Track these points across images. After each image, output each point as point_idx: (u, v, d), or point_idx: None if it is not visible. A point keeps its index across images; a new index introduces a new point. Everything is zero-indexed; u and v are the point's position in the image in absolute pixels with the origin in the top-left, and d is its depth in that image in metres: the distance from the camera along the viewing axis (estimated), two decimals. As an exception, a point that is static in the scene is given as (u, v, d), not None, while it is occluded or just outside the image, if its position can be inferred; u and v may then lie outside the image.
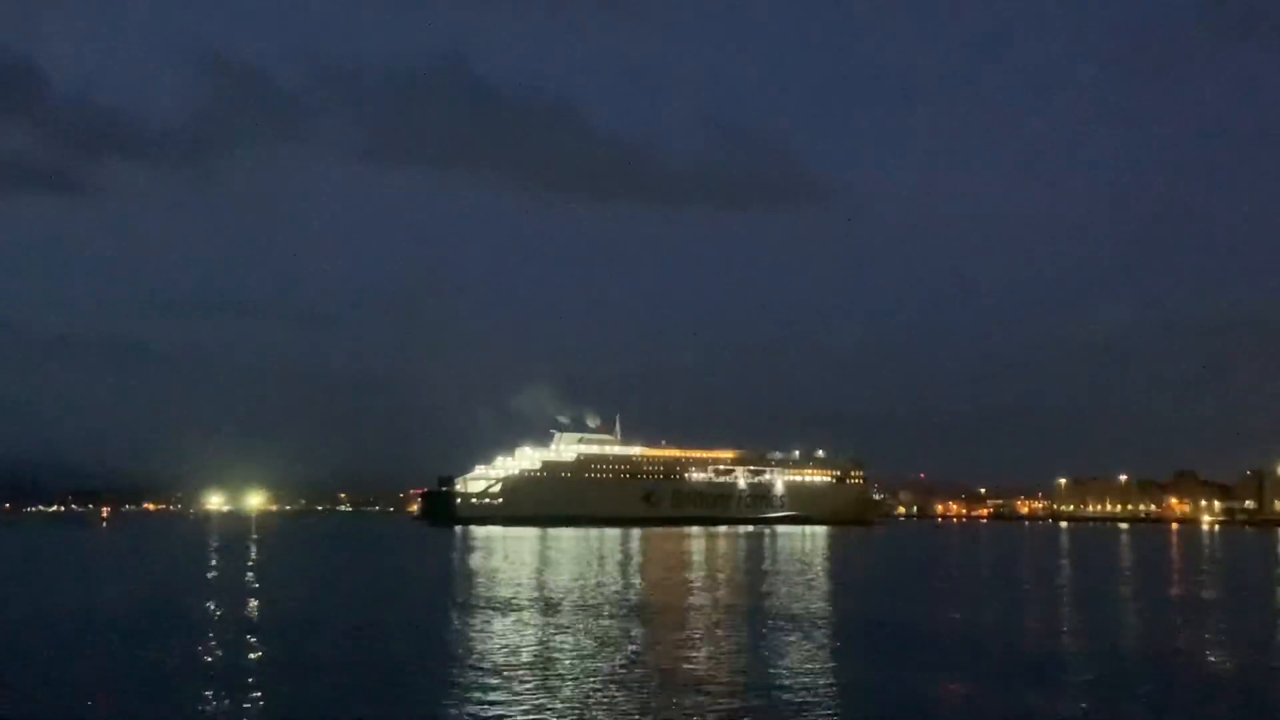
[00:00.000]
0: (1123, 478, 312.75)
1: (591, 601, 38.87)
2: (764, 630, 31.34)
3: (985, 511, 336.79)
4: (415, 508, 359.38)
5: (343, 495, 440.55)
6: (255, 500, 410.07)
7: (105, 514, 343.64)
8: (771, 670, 24.47)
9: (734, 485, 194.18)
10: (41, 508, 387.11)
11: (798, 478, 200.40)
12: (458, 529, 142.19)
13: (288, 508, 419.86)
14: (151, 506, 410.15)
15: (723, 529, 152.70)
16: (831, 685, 22.20)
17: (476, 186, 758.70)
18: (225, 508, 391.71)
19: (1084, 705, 21.72)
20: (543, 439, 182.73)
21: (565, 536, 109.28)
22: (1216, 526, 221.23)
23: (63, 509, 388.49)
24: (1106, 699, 22.56)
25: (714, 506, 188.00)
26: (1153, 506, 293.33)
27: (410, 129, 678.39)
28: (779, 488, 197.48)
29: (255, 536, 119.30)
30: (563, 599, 39.17)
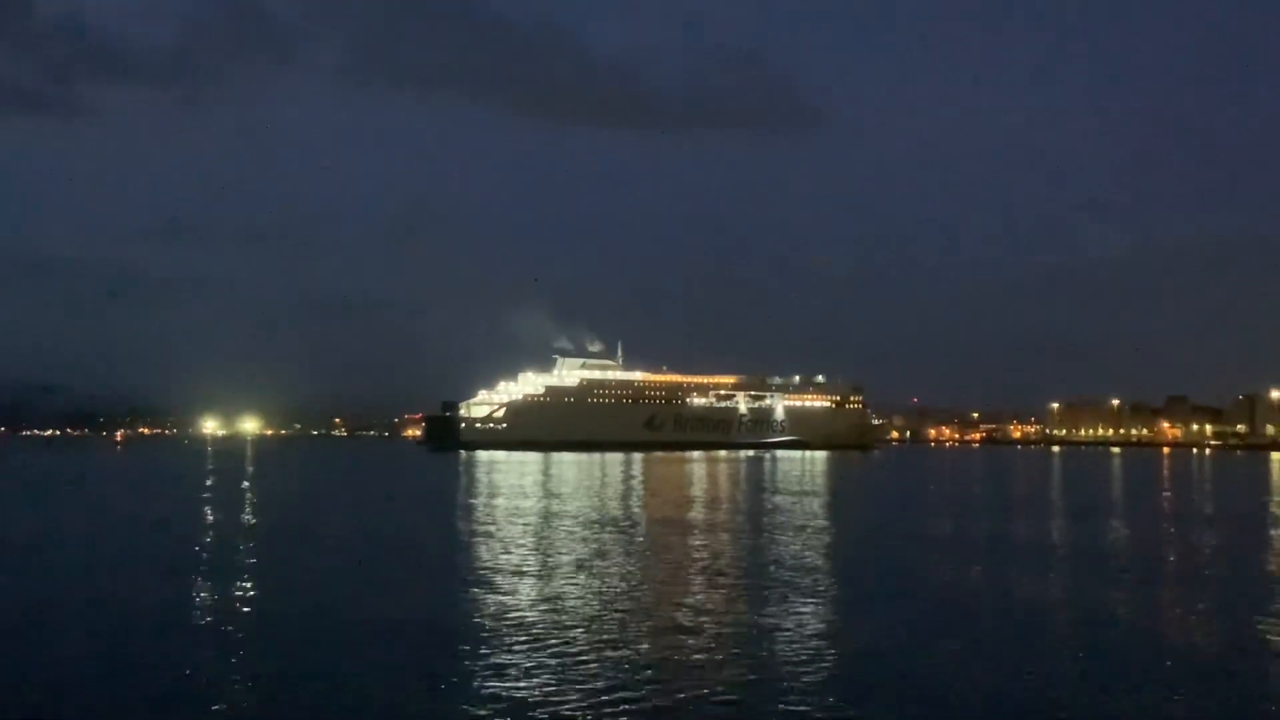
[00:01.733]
0: (1115, 402, 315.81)
1: (595, 519, 39.47)
2: (767, 543, 31.95)
3: (978, 436, 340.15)
4: (412, 432, 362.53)
5: (337, 420, 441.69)
6: (250, 425, 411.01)
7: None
8: (773, 571, 25.70)
9: (735, 410, 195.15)
10: (36, 432, 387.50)
11: (797, 403, 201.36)
12: (462, 453, 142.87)
13: (282, 432, 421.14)
14: (146, 431, 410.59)
15: (723, 454, 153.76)
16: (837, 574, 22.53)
17: (468, 110, 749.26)
18: (220, 432, 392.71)
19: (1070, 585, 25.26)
20: (545, 364, 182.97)
21: (568, 461, 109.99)
22: (1209, 450, 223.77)
23: (57, 433, 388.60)
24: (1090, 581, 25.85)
25: (715, 431, 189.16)
26: (1144, 431, 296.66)
27: (401, 52, 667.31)
28: (779, 413, 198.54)
29: (256, 460, 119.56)
30: (565, 518, 39.65)
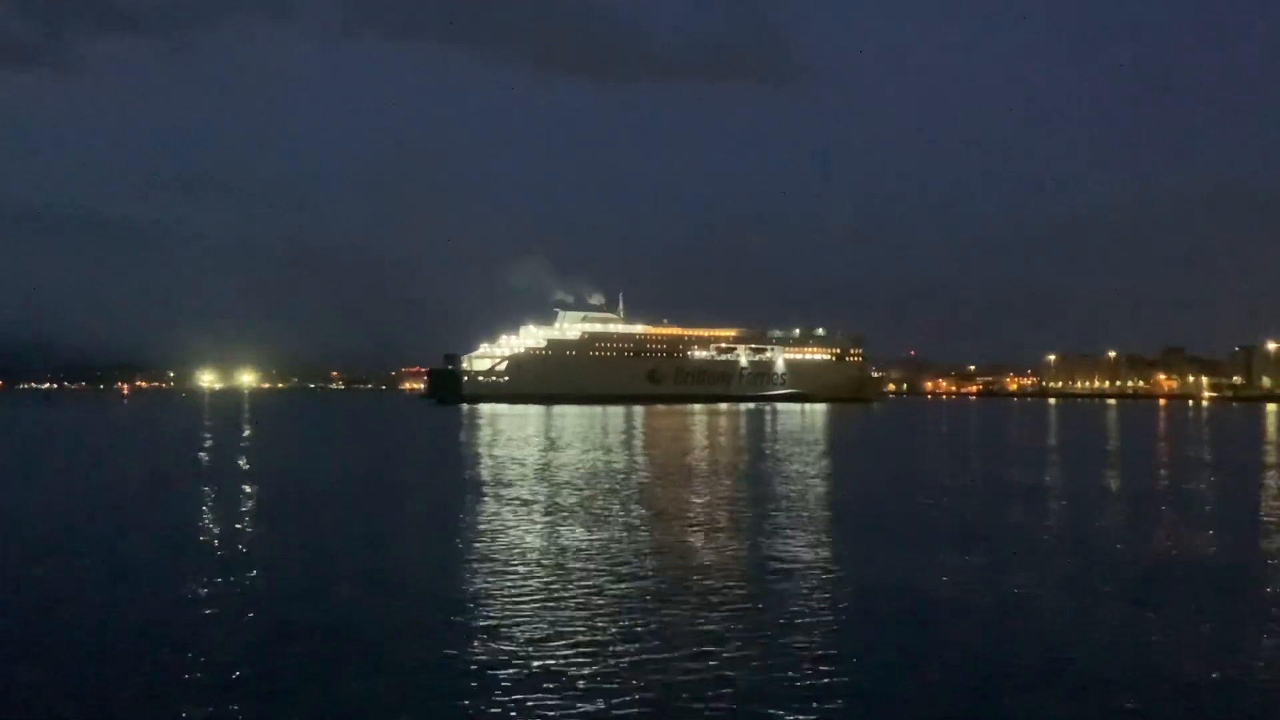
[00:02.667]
0: (1111, 354, 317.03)
1: (599, 470, 39.75)
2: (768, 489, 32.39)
3: (974, 388, 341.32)
4: (410, 385, 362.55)
5: (335, 373, 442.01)
6: (247, 378, 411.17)
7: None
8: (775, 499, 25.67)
9: (735, 363, 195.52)
10: (33, 385, 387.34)
11: (798, 356, 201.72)
12: (464, 406, 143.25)
13: (279, 385, 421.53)
14: (144, 384, 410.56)
15: (724, 406, 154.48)
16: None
17: (466, 63, 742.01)
18: (217, 385, 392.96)
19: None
20: (546, 317, 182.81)
21: (570, 413, 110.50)
22: (1206, 402, 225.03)
23: (54, 387, 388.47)
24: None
25: (716, 384, 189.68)
26: (1141, 383, 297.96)
27: (397, 4, 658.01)
28: (779, 365, 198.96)
29: (260, 415, 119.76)
30: (568, 471, 39.74)
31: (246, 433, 74.77)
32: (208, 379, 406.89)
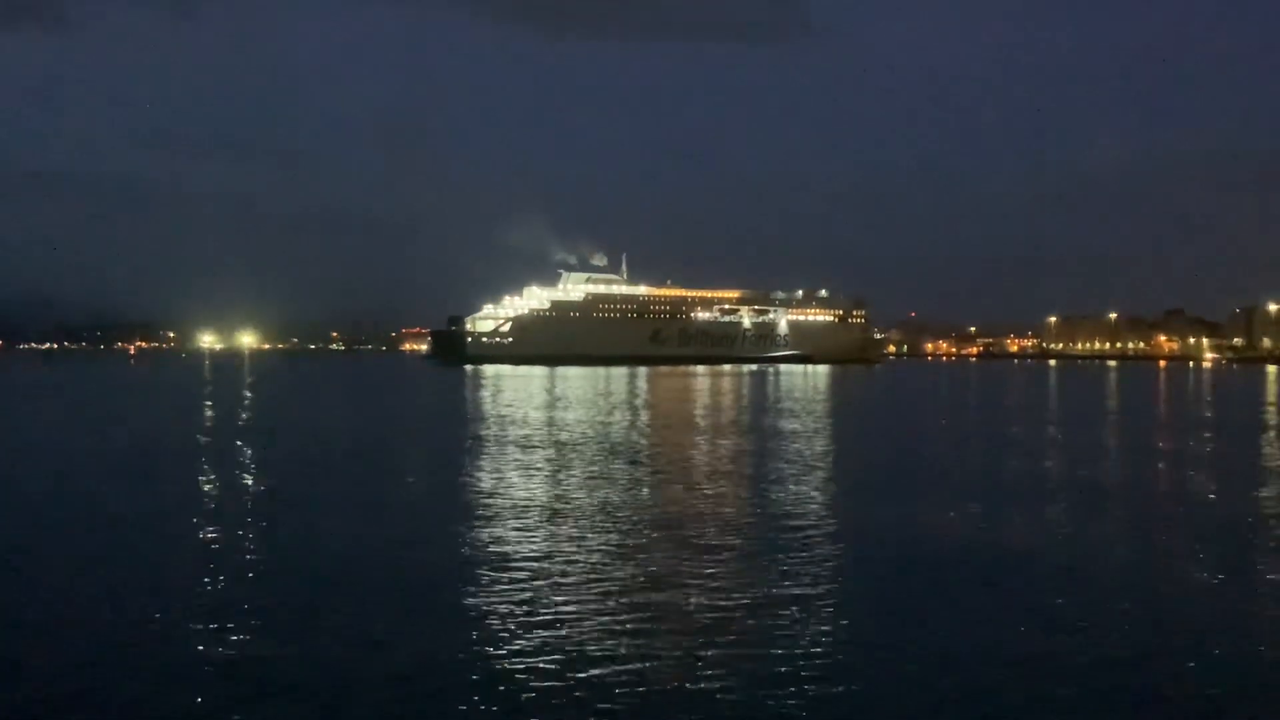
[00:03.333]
0: (1112, 316, 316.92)
1: (602, 430, 39.99)
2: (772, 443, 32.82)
3: (974, 350, 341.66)
4: (411, 347, 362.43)
5: (335, 334, 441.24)
6: (247, 339, 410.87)
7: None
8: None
9: (739, 325, 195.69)
10: (33, 345, 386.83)
11: (801, 317, 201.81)
12: (468, 368, 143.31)
13: (280, 346, 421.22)
14: (144, 344, 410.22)
15: (727, 367, 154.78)
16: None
17: (466, 23, 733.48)
18: (217, 346, 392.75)
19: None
20: (549, 278, 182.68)
21: (574, 375, 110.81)
22: (1207, 364, 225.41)
23: (54, 347, 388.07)
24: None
25: (719, 345, 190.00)
26: (1141, 344, 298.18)
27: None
28: (782, 327, 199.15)
29: (258, 375, 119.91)
30: (572, 430, 40.01)
31: (254, 394, 75.04)
32: (207, 340, 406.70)
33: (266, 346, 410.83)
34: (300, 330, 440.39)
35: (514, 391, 72.35)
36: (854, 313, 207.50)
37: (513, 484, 24.40)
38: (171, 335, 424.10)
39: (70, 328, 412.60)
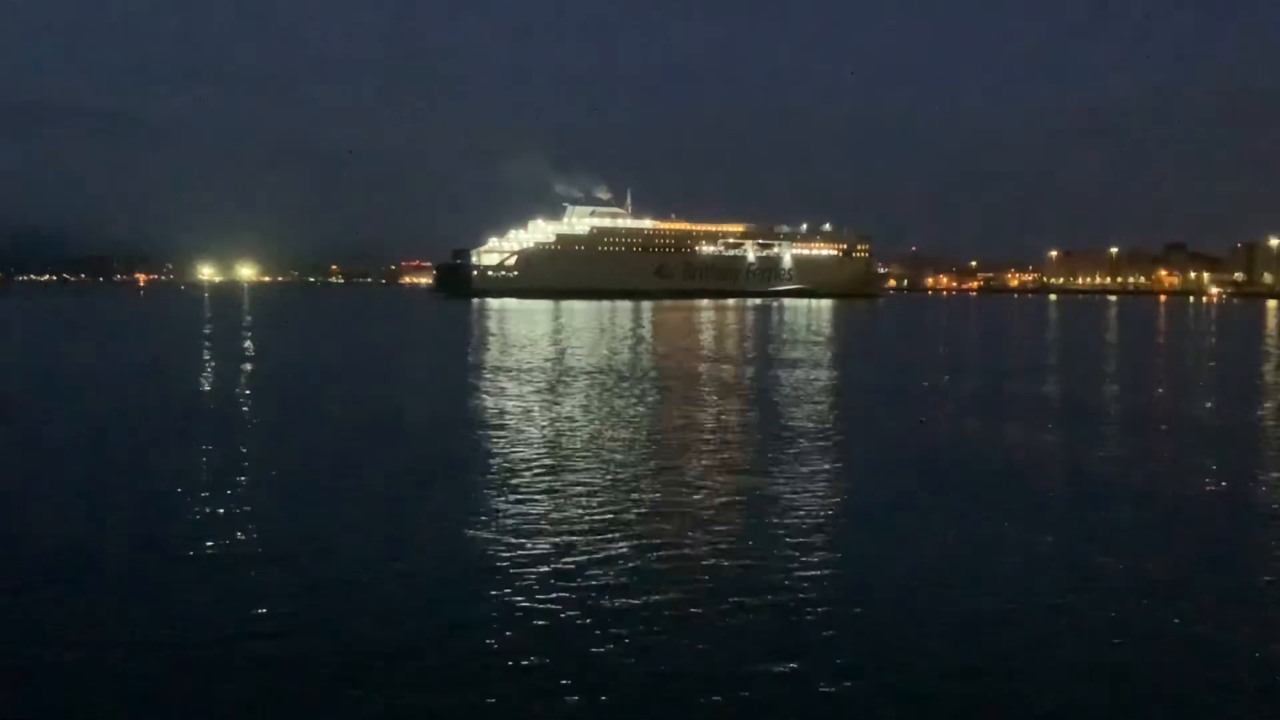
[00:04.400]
0: (1113, 250, 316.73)
1: (609, 365, 40.15)
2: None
3: (975, 284, 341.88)
4: (410, 279, 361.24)
5: (334, 267, 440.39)
6: (246, 271, 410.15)
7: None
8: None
9: (743, 259, 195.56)
10: (33, 277, 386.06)
11: (805, 251, 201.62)
12: (473, 301, 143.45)
13: (279, 279, 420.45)
14: (143, 277, 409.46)
15: (731, 302, 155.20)
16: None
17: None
18: (216, 279, 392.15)
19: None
20: (554, 212, 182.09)
21: (579, 308, 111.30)
22: (1214, 299, 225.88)
23: (54, 279, 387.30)
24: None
25: (724, 279, 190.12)
26: (1143, 279, 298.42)
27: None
28: (786, 261, 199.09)
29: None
30: (577, 363, 40.28)
31: (256, 327, 75.64)
32: (206, 272, 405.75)
33: (266, 279, 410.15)
34: (299, 263, 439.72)
35: (519, 325, 72.63)
36: (858, 247, 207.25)
37: (531, 405, 25.26)
38: (170, 268, 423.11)
39: (69, 260, 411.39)
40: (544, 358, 38.53)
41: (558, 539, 12.90)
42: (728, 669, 8.94)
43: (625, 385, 29.69)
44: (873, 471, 17.79)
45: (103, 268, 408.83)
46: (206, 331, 64.45)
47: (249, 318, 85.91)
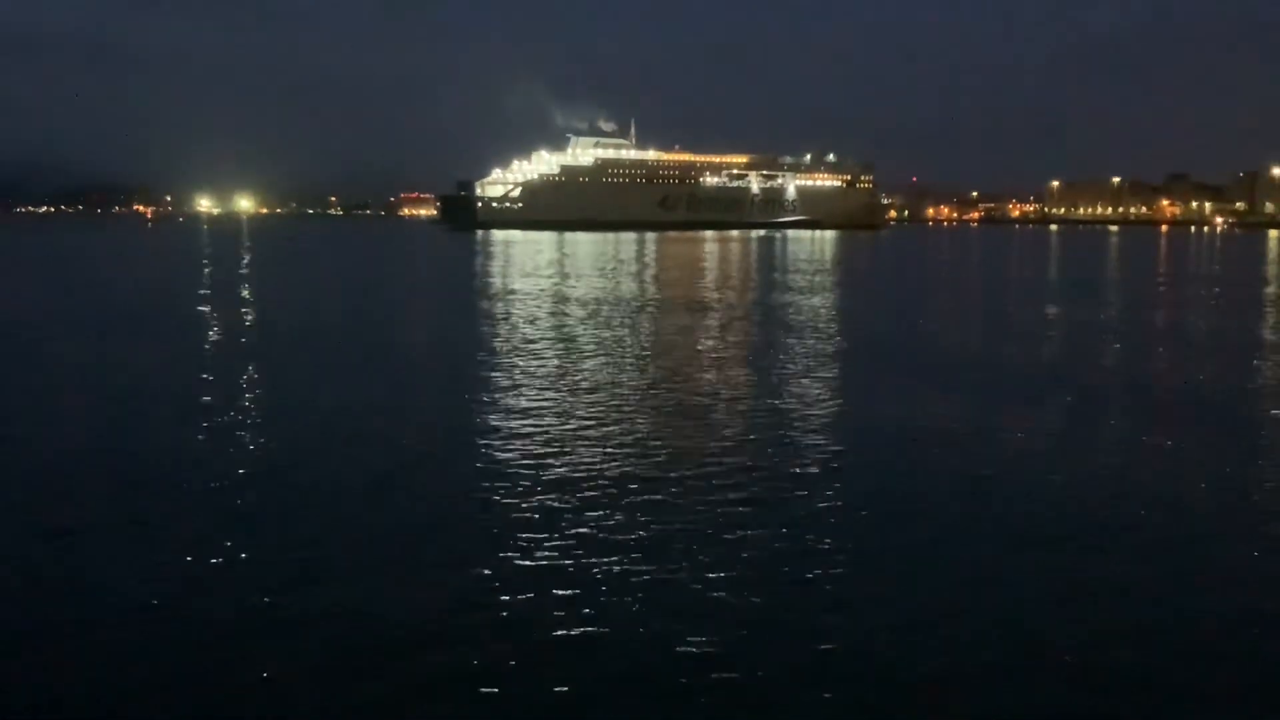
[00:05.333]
0: (1115, 180, 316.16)
1: (611, 296, 40.47)
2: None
3: (976, 215, 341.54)
4: (411, 211, 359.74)
5: (333, 199, 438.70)
6: (245, 203, 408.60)
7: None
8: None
9: (747, 190, 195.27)
10: (30, 209, 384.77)
11: (808, 182, 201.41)
12: (478, 233, 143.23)
13: (278, 210, 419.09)
14: (141, 208, 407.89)
15: (735, 233, 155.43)
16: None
17: None
18: (215, 210, 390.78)
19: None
20: (558, 143, 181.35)
21: (583, 240, 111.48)
22: (1207, 229, 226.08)
23: (52, 210, 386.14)
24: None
25: (728, 211, 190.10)
26: (1144, 209, 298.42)
27: None
28: (790, 192, 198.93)
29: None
30: (581, 296, 40.65)
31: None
32: (204, 204, 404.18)
33: (264, 211, 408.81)
34: (298, 194, 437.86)
35: (525, 258, 72.46)
36: (861, 178, 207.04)
37: (519, 355, 24.25)
38: (168, 200, 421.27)
39: (67, 191, 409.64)
40: (543, 304, 36.82)
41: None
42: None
43: (625, 339, 27.53)
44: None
45: (102, 199, 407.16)
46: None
47: (275, 247, 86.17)
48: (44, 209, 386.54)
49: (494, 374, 20.72)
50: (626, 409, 17.09)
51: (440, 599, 8.92)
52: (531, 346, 24.80)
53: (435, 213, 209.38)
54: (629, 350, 24.24)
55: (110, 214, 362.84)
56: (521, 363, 22.16)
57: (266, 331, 28.99)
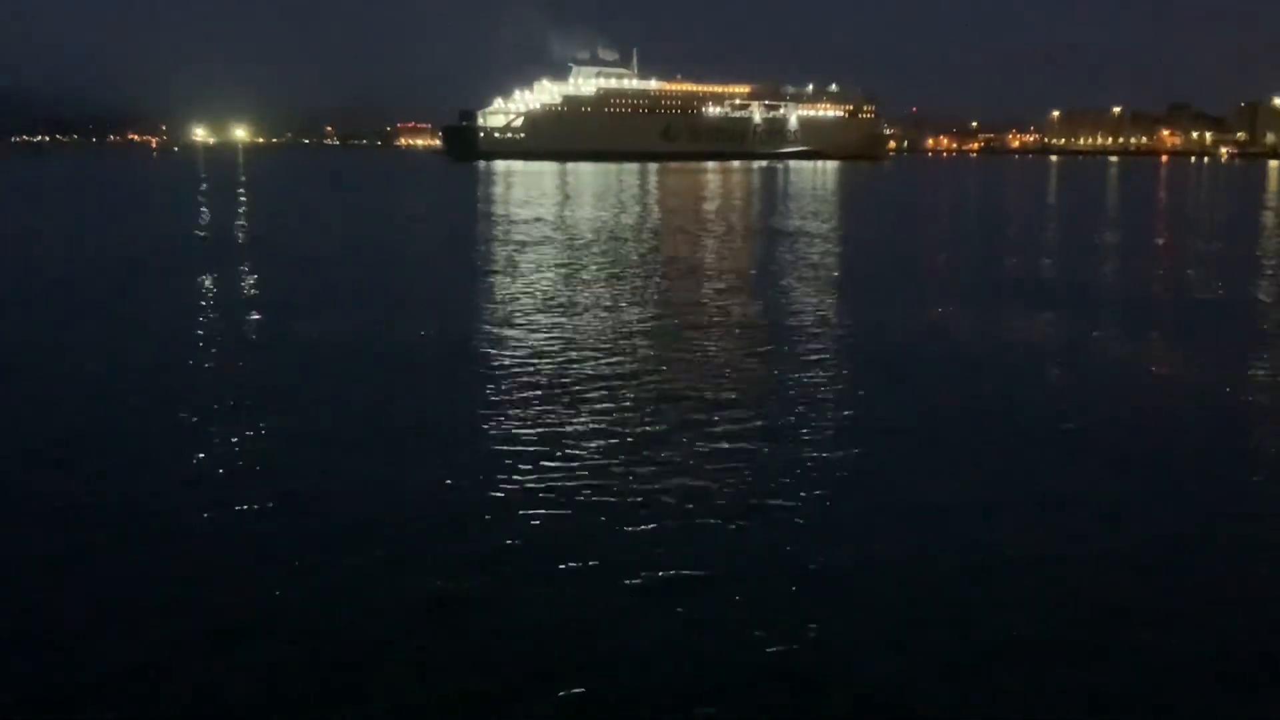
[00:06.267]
0: (1116, 110, 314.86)
1: (613, 227, 40.70)
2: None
3: (975, 146, 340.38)
4: (407, 141, 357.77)
5: (329, 129, 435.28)
6: (240, 133, 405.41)
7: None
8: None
9: (749, 120, 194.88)
10: (25, 138, 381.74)
11: (811, 112, 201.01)
12: (481, 164, 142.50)
13: (274, 140, 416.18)
14: (137, 138, 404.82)
15: (737, 164, 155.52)
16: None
17: None
18: (210, 140, 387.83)
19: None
20: (560, 73, 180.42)
21: (586, 170, 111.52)
22: (1208, 159, 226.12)
23: (45, 139, 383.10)
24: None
25: (730, 141, 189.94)
26: (1144, 139, 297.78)
27: None
28: (793, 123, 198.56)
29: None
30: (584, 228, 40.61)
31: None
32: (201, 134, 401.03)
33: (260, 140, 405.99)
34: (294, 124, 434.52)
35: (528, 189, 72.43)
36: (864, 108, 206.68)
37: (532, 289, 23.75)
38: (164, 129, 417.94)
39: (60, 120, 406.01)
40: (549, 235, 36.54)
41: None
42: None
43: (629, 270, 27.29)
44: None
45: (97, 129, 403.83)
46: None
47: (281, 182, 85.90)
48: (39, 139, 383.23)
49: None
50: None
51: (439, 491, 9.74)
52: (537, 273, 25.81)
53: (436, 143, 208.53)
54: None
55: (107, 143, 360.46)
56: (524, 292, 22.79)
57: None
